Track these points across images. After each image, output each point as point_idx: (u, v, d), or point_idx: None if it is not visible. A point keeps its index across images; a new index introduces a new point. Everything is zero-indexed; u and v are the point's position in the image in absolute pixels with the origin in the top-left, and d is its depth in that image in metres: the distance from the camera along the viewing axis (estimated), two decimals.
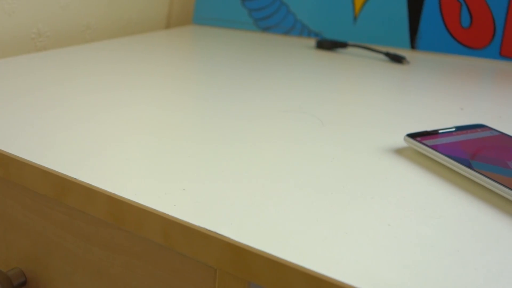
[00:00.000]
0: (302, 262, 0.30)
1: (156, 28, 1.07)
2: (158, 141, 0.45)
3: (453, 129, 0.48)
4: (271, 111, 0.55)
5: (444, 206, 0.36)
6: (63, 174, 0.39)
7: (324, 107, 0.57)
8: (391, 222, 0.34)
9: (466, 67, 0.79)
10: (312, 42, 0.93)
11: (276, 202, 0.36)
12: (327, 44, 0.86)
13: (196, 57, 0.78)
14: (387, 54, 0.81)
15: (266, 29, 0.98)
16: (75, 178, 0.38)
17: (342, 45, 0.86)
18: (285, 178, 0.40)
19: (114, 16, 0.97)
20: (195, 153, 0.43)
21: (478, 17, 0.83)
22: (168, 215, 0.34)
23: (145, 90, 0.60)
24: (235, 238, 0.32)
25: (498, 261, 0.30)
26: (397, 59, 0.80)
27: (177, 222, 0.34)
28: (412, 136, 0.45)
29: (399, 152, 0.45)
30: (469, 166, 0.40)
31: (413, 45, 0.89)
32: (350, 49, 0.88)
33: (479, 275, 0.29)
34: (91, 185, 0.37)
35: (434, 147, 0.43)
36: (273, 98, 0.59)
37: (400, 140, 0.48)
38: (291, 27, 0.96)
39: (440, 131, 0.47)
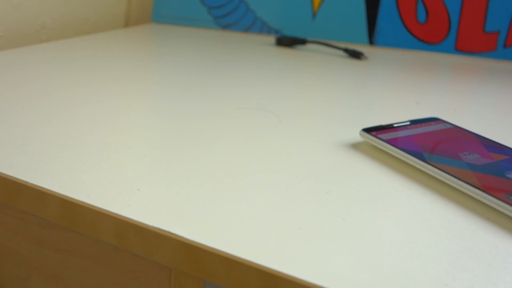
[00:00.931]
0: (256, 258, 0.30)
1: (114, 27, 1.06)
2: (112, 141, 0.45)
3: (408, 123, 0.48)
4: (228, 109, 0.54)
5: (398, 199, 0.37)
6: (14, 177, 0.38)
7: (282, 104, 0.57)
8: (346, 216, 0.34)
9: (423, 61, 0.81)
10: (272, 39, 0.93)
11: (231, 200, 0.36)
12: (287, 41, 0.86)
13: (155, 56, 0.77)
14: (346, 50, 0.82)
15: (226, 27, 0.98)
16: (25, 181, 0.37)
17: (301, 41, 0.86)
18: (240, 176, 0.39)
19: (70, 15, 0.95)
20: (150, 153, 0.43)
21: (434, 12, 0.85)
22: (121, 216, 0.34)
23: (101, 90, 0.59)
24: (188, 237, 0.31)
25: (449, 251, 0.31)
26: (356, 54, 0.80)
27: (130, 222, 0.33)
28: (368, 130, 0.46)
29: (355, 146, 0.46)
30: (422, 159, 0.41)
31: (371, 40, 0.90)
32: (309, 46, 0.89)
33: (430, 265, 0.29)
34: (42, 187, 0.37)
35: (388, 141, 0.44)
36: (231, 96, 0.59)
37: (356, 135, 0.49)
38: (251, 24, 0.96)
39: (395, 125, 0.47)
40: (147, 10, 1.11)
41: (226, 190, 0.37)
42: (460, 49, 0.85)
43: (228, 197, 0.36)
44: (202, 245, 0.31)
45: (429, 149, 0.42)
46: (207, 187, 0.37)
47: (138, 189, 0.37)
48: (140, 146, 0.44)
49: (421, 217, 0.34)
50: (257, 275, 0.29)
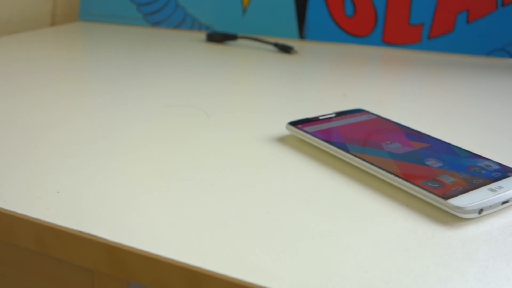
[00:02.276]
0: (179, 256, 0.29)
1: (40, 26, 1.02)
2: (33, 143, 0.43)
3: (334, 115, 0.49)
4: (156, 107, 0.54)
5: (321, 190, 0.37)
6: None
7: (212, 100, 0.57)
8: (270, 209, 0.34)
9: (352, 54, 0.82)
10: (202, 35, 0.92)
11: (155, 199, 0.35)
12: (217, 37, 0.86)
13: (82, 56, 0.75)
14: (276, 45, 0.82)
15: (156, 24, 0.96)
16: None
17: (232, 37, 0.86)
18: (166, 174, 0.39)
19: None
20: (72, 154, 0.42)
21: (361, 6, 0.86)
22: (40, 220, 0.33)
23: (25, 91, 0.57)
24: (109, 238, 0.31)
25: (369, 239, 0.31)
26: (286, 49, 0.81)
27: (49, 226, 0.32)
28: (293, 124, 0.46)
29: (282, 140, 0.46)
30: (346, 150, 0.41)
31: (301, 35, 0.91)
32: (240, 41, 0.89)
33: (349, 254, 0.30)
34: None
35: (314, 134, 0.44)
36: (159, 94, 0.58)
37: (284, 129, 0.49)
38: (181, 21, 0.95)
39: (320, 118, 0.48)
40: (74, 8, 1.08)
41: (149, 189, 0.37)
42: (387, 41, 0.87)
43: (151, 196, 0.36)
44: (124, 245, 0.30)
45: (353, 140, 0.43)
46: (129, 187, 0.37)
47: (58, 192, 0.36)
48: (63, 148, 0.43)
49: (343, 206, 0.35)
50: (180, 273, 0.29)
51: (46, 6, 1.03)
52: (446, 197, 0.34)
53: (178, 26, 0.96)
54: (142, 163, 0.41)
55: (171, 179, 0.38)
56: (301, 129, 0.45)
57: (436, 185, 0.36)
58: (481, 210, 0.34)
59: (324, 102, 0.57)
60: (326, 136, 0.44)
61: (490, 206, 0.34)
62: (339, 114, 0.49)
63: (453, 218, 0.34)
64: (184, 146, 0.44)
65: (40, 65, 0.69)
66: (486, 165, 0.39)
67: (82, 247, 0.31)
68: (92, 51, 0.78)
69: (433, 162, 0.39)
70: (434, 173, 0.38)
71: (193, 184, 0.37)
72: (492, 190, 0.35)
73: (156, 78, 0.65)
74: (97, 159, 0.41)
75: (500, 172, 0.38)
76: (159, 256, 0.29)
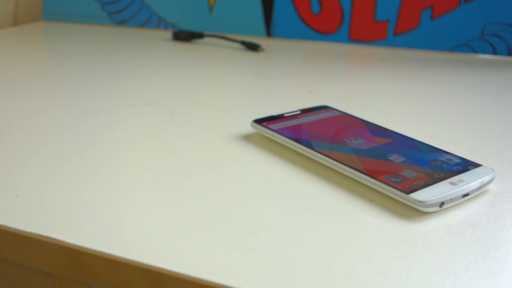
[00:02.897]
0: (140, 257, 0.29)
1: (2, 26, 1.00)
2: None
3: (299, 112, 0.49)
4: (120, 107, 0.53)
5: (285, 187, 0.37)
6: None
7: (177, 99, 0.56)
8: (234, 207, 0.34)
9: (318, 51, 0.82)
10: (169, 34, 0.91)
11: (117, 200, 0.35)
12: (184, 36, 0.86)
13: (45, 55, 0.74)
14: (243, 43, 0.82)
15: (121, 23, 0.95)
16: None
17: (199, 35, 0.86)
18: (127, 174, 0.38)
19: None
20: (33, 156, 0.41)
21: (327, 3, 0.87)
22: None
23: None
24: (69, 240, 0.30)
25: (332, 235, 0.31)
26: (253, 47, 0.81)
27: (7, 230, 0.31)
28: (258, 121, 0.46)
29: (247, 138, 0.46)
30: (310, 147, 0.41)
31: (269, 32, 0.91)
32: (206, 39, 0.88)
33: (312, 250, 0.30)
34: None
35: (278, 131, 0.44)
36: (124, 94, 0.58)
37: (249, 127, 0.49)
38: (147, 19, 0.94)
39: (285, 115, 0.48)
40: (36, 7, 1.06)
41: (111, 190, 0.36)
42: (353, 38, 0.87)
43: (113, 197, 0.35)
44: (84, 248, 0.30)
45: (317, 136, 0.43)
46: (89, 188, 0.36)
47: (17, 195, 0.35)
48: (21, 149, 0.42)
49: (307, 203, 0.35)
50: (141, 274, 0.29)
51: (8, 5, 1.01)
52: (408, 191, 0.34)
53: (144, 25, 0.95)
54: (103, 164, 0.40)
55: (132, 179, 0.38)
56: (265, 126, 0.45)
57: (399, 180, 0.36)
58: (442, 204, 0.34)
59: (290, 99, 0.57)
60: (291, 133, 0.44)
61: (451, 199, 0.35)
62: (304, 111, 0.50)
63: (415, 212, 0.34)
64: (147, 146, 0.43)
65: (1, 65, 0.67)
66: (447, 159, 0.40)
67: (42, 250, 0.31)
68: (55, 51, 0.77)
69: (396, 157, 0.40)
70: (396, 168, 0.38)
71: (156, 184, 0.37)
72: (453, 183, 0.36)
73: (121, 77, 0.64)
74: (57, 160, 0.40)
75: (461, 166, 0.39)
76: (120, 257, 0.29)
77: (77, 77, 0.63)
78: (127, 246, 0.30)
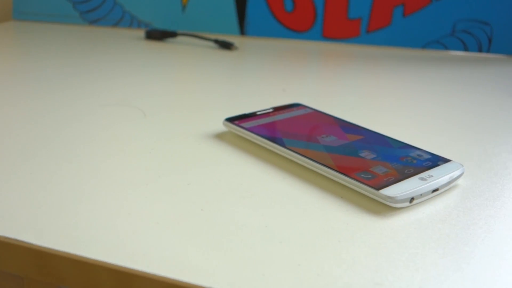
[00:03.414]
0: (110, 258, 0.29)
1: None
2: None
3: (271, 110, 0.49)
4: (92, 107, 0.52)
5: (257, 185, 0.37)
6: None
7: (150, 98, 0.56)
8: (205, 206, 0.34)
9: (292, 49, 0.83)
10: (142, 33, 0.91)
11: (86, 201, 0.34)
12: (157, 34, 0.85)
13: (16, 55, 0.73)
14: (216, 41, 0.82)
15: (93, 22, 0.94)
16: None
17: (172, 34, 0.85)
18: (97, 175, 0.38)
19: None
20: (0, 157, 0.40)
21: (300, 1, 0.87)
22: None
23: None
24: (37, 243, 0.30)
25: (303, 232, 0.32)
26: (226, 45, 0.81)
27: None
28: (230, 120, 0.46)
29: (220, 137, 0.46)
30: (282, 144, 0.41)
31: (242, 31, 0.90)
32: (180, 38, 0.88)
33: (283, 248, 0.30)
34: None
35: (250, 129, 0.44)
36: (96, 94, 0.57)
37: (222, 125, 0.49)
38: (120, 18, 0.93)
39: (258, 113, 0.48)
40: (7, 6, 1.05)
41: (80, 190, 0.36)
42: (326, 36, 0.88)
43: (82, 197, 0.35)
44: (53, 250, 0.29)
45: (289, 134, 0.43)
46: (58, 189, 0.36)
47: None
48: None
49: (278, 201, 0.35)
50: (111, 275, 0.28)
51: None
52: (378, 187, 0.35)
53: (116, 24, 0.94)
54: (73, 164, 0.39)
55: (102, 180, 0.37)
56: (237, 125, 0.45)
57: (369, 176, 0.36)
58: (412, 199, 0.34)
59: (263, 98, 0.57)
60: (263, 131, 0.44)
61: (421, 194, 0.35)
62: (277, 109, 0.50)
63: (385, 208, 0.35)
64: (118, 146, 0.43)
65: None
66: (417, 155, 0.40)
67: (9, 253, 0.30)
68: (26, 50, 0.76)
69: (366, 154, 0.40)
70: (367, 164, 0.38)
71: (127, 184, 0.37)
72: (422, 179, 0.36)
73: (93, 77, 0.63)
74: (25, 161, 0.40)
75: (430, 161, 0.39)
76: (89, 258, 0.29)
77: (48, 78, 0.62)
78: (96, 247, 0.30)
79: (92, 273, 0.29)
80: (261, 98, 0.57)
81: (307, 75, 0.67)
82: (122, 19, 0.93)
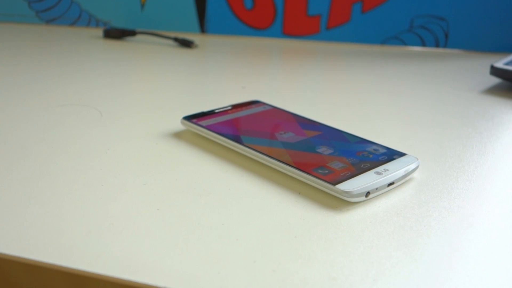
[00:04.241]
0: (63, 261, 0.28)
1: None
2: None
3: (229, 108, 0.49)
4: (47, 108, 0.51)
5: (214, 183, 0.37)
6: None
7: (107, 98, 0.55)
8: (161, 206, 0.34)
9: (253, 47, 0.83)
10: (100, 32, 0.89)
11: (39, 203, 0.34)
12: (115, 33, 0.84)
13: None
14: (176, 39, 0.81)
15: (50, 21, 0.93)
16: None
17: (131, 33, 0.84)
18: (52, 176, 0.37)
19: None
20: None
21: None
22: None
23: None
24: None
25: (259, 229, 0.31)
26: (186, 43, 0.80)
27: None
28: (188, 118, 0.46)
29: (177, 135, 0.45)
30: (240, 142, 0.41)
31: (202, 29, 0.90)
32: (139, 37, 0.87)
33: (239, 245, 0.30)
34: None
35: (208, 127, 0.44)
36: (52, 94, 0.56)
37: (180, 124, 0.48)
38: (77, 17, 0.92)
39: (216, 111, 0.48)
40: None
41: (33, 192, 0.35)
42: (286, 33, 0.88)
43: (35, 199, 0.34)
44: (3, 254, 0.29)
45: (247, 131, 0.43)
46: (11, 190, 0.35)
47: None
48: None
49: (235, 198, 0.35)
50: (64, 278, 0.28)
51: None
52: (335, 182, 0.35)
53: (74, 23, 0.92)
54: (26, 165, 0.39)
55: (56, 181, 0.36)
56: (195, 123, 0.45)
57: (326, 171, 0.37)
58: (368, 193, 0.35)
59: (223, 96, 0.57)
60: (221, 129, 0.44)
61: (377, 188, 0.35)
62: (235, 106, 0.49)
63: (342, 203, 0.35)
64: (73, 146, 0.42)
65: None
66: (374, 149, 0.40)
67: None
68: None
69: (324, 150, 0.40)
70: (324, 160, 0.38)
71: (81, 185, 0.36)
72: (378, 173, 0.37)
73: (49, 77, 0.62)
74: None
75: (386, 156, 0.39)
76: (42, 262, 0.28)
77: (3, 78, 0.61)
78: (49, 250, 0.29)
79: (45, 277, 0.28)
80: (221, 96, 0.57)
81: (267, 72, 0.67)
82: (79, 18, 0.92)
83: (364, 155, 0.39)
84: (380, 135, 0.47)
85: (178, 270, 0.28)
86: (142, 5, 0.90)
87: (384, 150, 0.40)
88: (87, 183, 0.36)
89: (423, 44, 0.85)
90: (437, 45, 0.85)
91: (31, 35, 0.86)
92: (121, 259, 0.28)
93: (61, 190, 0.35)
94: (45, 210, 0.33)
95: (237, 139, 0.42)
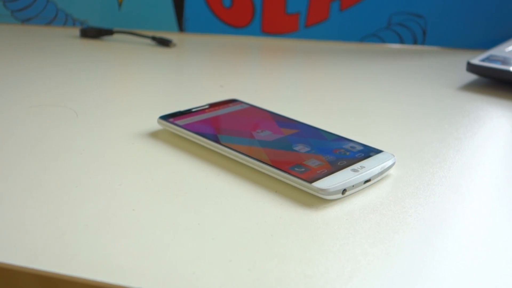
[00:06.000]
0: (35, 264, 0.28)
1: None
2: None
3: (207, 106, 0.49)
4: (22, 108, 0.51)
5: (191, 183, 0.37)
6: None
7: (83, 98, 0.54)
8: (136, 206, 0.33)
9: (231, 45, 0.82)
10: (77, 31, 0.88)
11: (11, 204, 0.33)
12: (92, 32, 0.83)
13: None
14: (154, 38, 0.81)
15: (26, 21, 0.91)
16: None
17: (108, 32, 0.83)
18: (26, 177, 0.37)
19: None
20: None
21: None
22: None
23: None
24: None
25: (235, 228, 0.31)
26: (164, 42, 0.80)
27: None
28: (165, 117, 0.45)
29: (154, 135, 0.45)
30: (217, 141, 0.41)
31: (181, 27, 0.89)
32: (116, 36, 0.86)
33: (215, 244, 0.30)
34: None
35: (185, 126, 0.44)
36: (27, 94, 0.55)
37: (157, 123, 0.48)
38: (54, 17, 0.91)
39: (193, 110, 0.48)
40: None
41: (5, 193, 0.34)
42: (265, 31, 0.88)
43: (8, 200, 0.33)
44: None
45: (224, 130, 0.43)
46: None
47: None
48: None
49: (212, 198, 0.35)
50: (36, 280, 0.27)
51: None
52: (311, 180, 0.35)
53: (50, 22, 0.91)
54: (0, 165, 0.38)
55: (30, 182, 0.36)
56: (172, 122, 0.44)
57: (302, 169, 0.37)
58: (344, 191, 0.35)
59: (201, 95, 0.57)
60: (198, 128, 0.43)
61: (353, 186, 0.35)
62: (212, 105, 0.49)
63: (318, 201, 0.35)
64: (48, 147, 0.42)
65: None
66: (350, 147, 0.41)
67: None
68: None
69: (301, 147, 0.40)
70: (301, 158, 0.38)
71: (55, 186, 0.36)
72: (354, 170, 0.37)
73: (24, 78, 0.61)
74: None
75: (363, 153, 0.39)
76: (13, 265, 0.28)
77: None
78: (21, 252, 0.28)
79: (17, 280, 0.28)
80: (199, 95, 0.56)
81: (245, 71, 0.67)
82: (56, 18, 0.91)
83: (341, 153, 0.39)
84: (357, 132, 0.47)
85: (153, 270, 0.27)
86: (120, 4, 0.89)
87: (360, 148, 0.40)
88: (62, 184, 0.36)
89: (401, 41, 0.85)
90: (415, 42, 0.85)
91: (6, 35, 0.84)
92: (96, 261, 0.28)
93: (35, 191, 0.35)
94: (17, 212, 0.32)
95: (214, 138, 0.41)
